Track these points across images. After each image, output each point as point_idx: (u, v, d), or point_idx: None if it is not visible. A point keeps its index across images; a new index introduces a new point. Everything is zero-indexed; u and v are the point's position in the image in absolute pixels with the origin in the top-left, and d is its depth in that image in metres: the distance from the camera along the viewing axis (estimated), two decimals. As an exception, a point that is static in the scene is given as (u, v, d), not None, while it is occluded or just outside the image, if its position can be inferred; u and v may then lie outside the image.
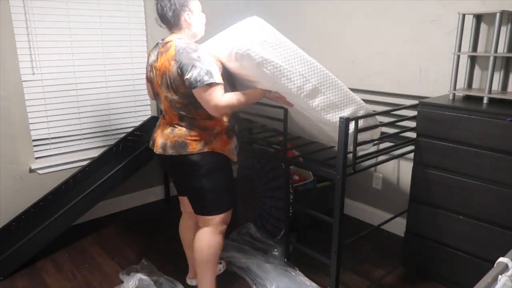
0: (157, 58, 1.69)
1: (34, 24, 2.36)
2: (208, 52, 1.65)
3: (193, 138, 1.69)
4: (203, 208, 1.79)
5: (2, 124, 2.33)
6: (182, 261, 2.26)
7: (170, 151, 1.70)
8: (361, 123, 1.79)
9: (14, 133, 2.39)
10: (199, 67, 1.56)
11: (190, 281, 2.12)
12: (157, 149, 1.75)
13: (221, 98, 1.59)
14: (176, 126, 1.72)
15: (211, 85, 1.56)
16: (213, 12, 3.14)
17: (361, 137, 1.83)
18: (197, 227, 1.88)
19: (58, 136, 2.59)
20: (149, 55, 1.79)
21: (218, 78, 1.59)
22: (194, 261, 1.93)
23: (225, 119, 1.75)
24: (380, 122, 1.97)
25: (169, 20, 1.68)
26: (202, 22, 1.76)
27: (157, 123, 1.86)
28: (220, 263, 2.20)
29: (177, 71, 1.59)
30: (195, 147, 1.69)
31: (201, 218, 1.82)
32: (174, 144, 1.70)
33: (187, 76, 1.56)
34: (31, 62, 2.39)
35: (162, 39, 1.73)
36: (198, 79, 1.55)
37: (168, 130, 1.73)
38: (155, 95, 1.81)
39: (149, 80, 1.81)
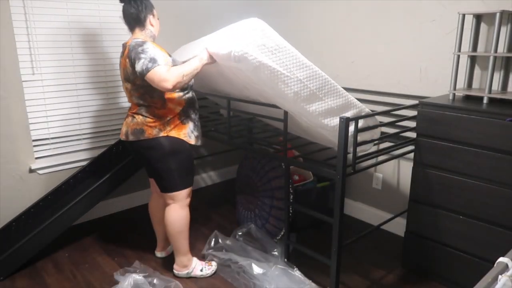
0: (121, 57, 1.96)
1: (34, 24, 2.36)
2: (153, 46, 1.86)
3: (149, 125, 1.94)
4: (166, 187, 2.04)
5: (2, 124, 2.33)
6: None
7: (131, 138, 1.97)
8: (361, 123, 1.79)
9: (14, 133, 2.39)
10: (143, 58, 1.80)
11: (160, 254, 2.37)
12: (122, 136, 2.03)
13: (166, 73, 1.78)
14: (135, 115, 1.97)
15: (153, 69, 1.77)
16: (212, 11, 3.14)
17: (361, 137, 1.84)
18: (165, 205, 2.14)
19: (58, 136, 2.59)
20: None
21: (162, 61, 1.80)
22: (162, 236, 2.33)
23: (177, 107, 1.97)
24: (380, 122, 1.97)
25: (139, 19, 1.93)
26: (158, 27, 2.03)
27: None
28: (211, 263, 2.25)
29: (130, 66, 1.86)
30: (151, 132, 1.94)
31: (166, 195, 2.06)
32: (133, 131, 1.96)
33: (136, 69, 1.82)
34: (31, 62, 2.39)
35: (125, 42, 1.96)
36: (144, 68, 1.78)
37: (129, 119, 2.00)
38: (124, 89, 2.04)
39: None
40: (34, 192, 2.50)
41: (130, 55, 1.84)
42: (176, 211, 2.06)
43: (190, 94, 2.03)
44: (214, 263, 2.22)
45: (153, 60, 1.79)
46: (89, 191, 2.40)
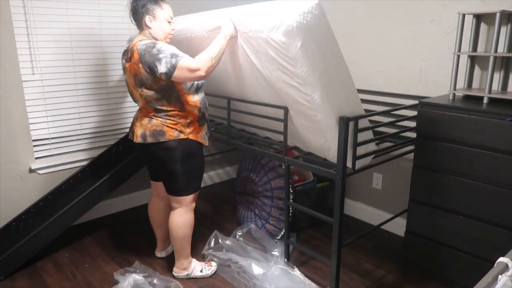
0: (127, 62, 1.88)
1: (34, 24, 2.36)
2: (166, 44, 1.82)
3: (170, 126, 1.89)
4: (176, 190, 2.00)
5: (2, 124, 2.33)
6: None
7: (149, 139, 1.89)
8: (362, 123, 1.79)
9: (14, 133, 2.39)
10: (163, 57, 1.74)
11: (160, 254, 2.37)
12: (137, 139, 1.94)
13: (194, 62, 1.75)
14: (153, 117, 1.90)
15: (179, 63, 1.74)
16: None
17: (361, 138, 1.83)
18: (167, 209, 2.19)
19: (58, 136, 2.59)
20: (122, 58, 1.96)
21: (181, 54, 1.77)
22: (162, 237, 2.33)
23: (195, 109, 1.93)
24: (380, 122, 1.97)
25: (136, 18, 1.90)
26: (165, 30, 1.90)
27: (134, 116, 2.05)
28: (212, 263, 2.24)
29: (147, 71, 1.78)
30: (171, 134, 1.89)
31: (173, 198, 2.03)
32: (152, 132, 1.89)
33: (159, 72, 1.75)
34: (31, 62, 2.39)
35: (128, 45, 1.91)
36: (169, 66, 1.74)
37: (146, 121, 1.92)
38: (130, 93, 1.99)
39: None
40: (34, 192, 2.50)
41: (144, 60, 1.76)
42: (181, 216, 2.04)
43: (202, 94, 2.00)
44: (214, 263, 2.22)
45: (174, 56, 1.74)
46: (89, 191, 2.40)
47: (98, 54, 2.64)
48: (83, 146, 2.69)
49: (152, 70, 1.76)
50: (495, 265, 1.03)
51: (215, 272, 2.19)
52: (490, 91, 1.89)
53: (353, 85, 1.78)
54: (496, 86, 2.01)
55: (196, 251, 2.38)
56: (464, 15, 1.94)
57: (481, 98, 1.93)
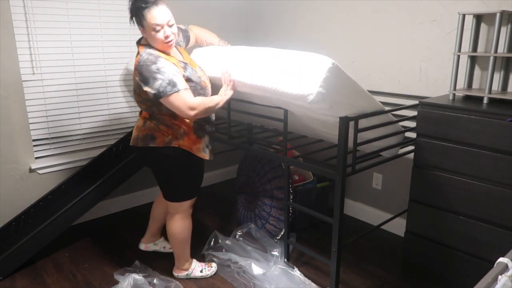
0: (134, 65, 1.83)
1: (34, 24, 2.36)
2: (168, 63, 1.74)
3: (161, 132, 1.85)
4: (170, 196, 1.99)
5: (2, 124, 2.33)
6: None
7: (140, 143, 1.88)
8: (363, 123, 1.79)
9: (14, 133, 2.39)
10: (160, 79, 1.68)
11: (140, 245, 2.38)
12: (132, 141, 1.95)
13: (192, 101, 1.73)
14: (148, 120, 1.89)
15: (176, 93, 1.69)
16: (212, 11, 3.14)
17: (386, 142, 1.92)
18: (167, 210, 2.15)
19: (58, 136, 2.59)
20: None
21: (181, 85, 1.71)
22: (152, 230, 2.35)
23: (190, 122, 1.88)
24: (380, 122, 1.97)
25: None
26: (156, 39, 1.76)
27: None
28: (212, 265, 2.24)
29: (138, 81, 1.75)
30: (163, 140, 1.85)
31: (169, 203, 2.02)
32: (144, 136, 1.87)
33: (147, 88, 1.71)
34: (31, 62, 2.39)
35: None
36: (161, 90, 1.68)
37: (141, 123, 1.92)
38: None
39: None
40: (34, 192, 2.50)
41: (140, 70, 1.72)
42: (178, 222, 2.03)
43: None
44: (214, 264, 2.22)
45: (172, 84, 1.67)
46: (89, 191, 2.40)
47: (98, 54, 2.64)
48: (83, 146, 2.69)
49: (141, 82, 1.73)
50: (495, 265, 1.03)
51: (215, 273, 2.19)
52: (490, 91, 1.89)
53: (376, 102, 1.84)
54: (496, 86, 2.01)
55: (196, 251, 2.38)
56: (464, 15, 1.94)
57: (481, 98, 1.93)
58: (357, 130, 1.72)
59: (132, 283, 1.98)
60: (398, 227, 2.52)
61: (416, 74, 2.35)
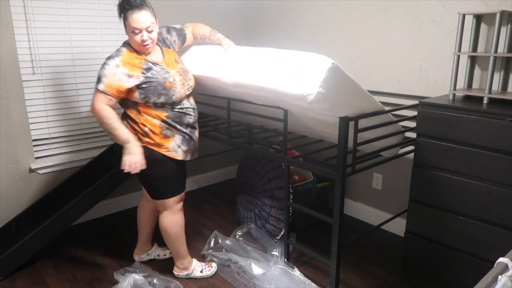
0: None
1: (34, 24, 2.36)
2: (116, 63, 1.78)
3: (130, 130, 1.88)
4: (152, 194, 2.02)
5: (2, 124, 2.33)
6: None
7: (115, 141, 1.93)
8: (364, 123, 1.79)
9: (14, 133, 2.39)
10: (99, 72, 1.80)
11: (135, 257, 2.33)
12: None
13: (97, 105, 1.80)
14: (123, 117, 1.94)
15: (96, 89, 1.78)
16: (212, 11, 3.14)
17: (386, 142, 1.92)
18: (152, 211, 2.22)
19: (58, 136, 2.59)
20: None
21: (103, 86, 1.77)
22: (142, 239, 2.31)
23: (154, 120, 1.87)
24: (380, 122, 1.97)
25: None
26: (133, 41, 1.82)
27: None
28: (212, 264, 2.24)
29: None
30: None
31: (155, 202, 2.04)
32: None
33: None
34: (31, 62, 2.39)
35: None
36: (96, 82, 1.80)
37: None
38: None
39: None
40: (34, 192, 2.50)
41: None
42: (168, 218, 2.03)
43: (174, 111, 1.90)
44: (214, 264, 2.22)
45: (99, 80, 1.78)
46: (89, 191, 2.40)
47: (98, 53, 2.64)
48: (83, 146, 2.69)
49: None
50: (495, 265, 1.03)
51: (215, 273, 2.19)
52: (490, 91, 1.89)
53: (376, 103, 1.84)
54: (496, 86, 2.01)
55: (196, 251, 2.38)
56: (464, 15, 1.94)
57: (481, 98, 1.93)
58: (357, 130, 1.72)
59: (132, 283, 1.98)
60: (398, 227, 2.52)
61: (416, 74, 2.35)
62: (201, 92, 2.32)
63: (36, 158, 2.52)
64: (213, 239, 2.39)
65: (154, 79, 1.82)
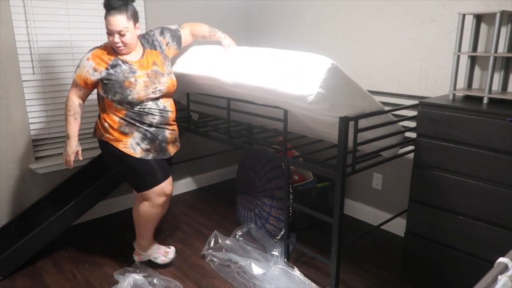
0: None
1: (34, 24, 2.36)
2: (88, 56, 1.92)
3: (98, 125, 2.02)
4: (131, 186, 2.12)
5: (2, 124, 2.33)
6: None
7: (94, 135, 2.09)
8: (363, 123, 1.79)
9: (14, 133, 2.39)
10: (77, 66, 1.95)
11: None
12: None
13: (69, 93, 1.99)
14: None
15: (74, 79, 1.95)
16: (212, 11, 3.14)
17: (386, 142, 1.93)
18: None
19: (58, 136, 2.59)
20: None
21: (75, 75, 1.94)
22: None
23: (114, 116, 1.96)
24: (380, 122, 1.97)
25: None
26: (110, 41, 1.92)
27: None
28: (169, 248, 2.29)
29: None
30: (98, 133, 2.03)
31: (136, 194, 2.12)
32: (94, 128, 2.09)
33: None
34: (31, 62, 2.39)
35: None
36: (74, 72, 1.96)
37: None
38: None
39: None
40: (34, 192, 2.50)
41: None
42: (145, 207, 2.07)
43: (133, 111, 1.94)
44: (172, 249, 2.25)
45: (75, 69, 1.94)
46: (89, 190, 2.40)
47: (98, 54, 2.64)
48: (83, 146, 2.66)
49: None
50: (495, 265, 1.03)
51: (171, 261, 2.22)
52: (490, 91, 1.89)
53: (376, 103, 1.84)
54: (496, 86, 2.01)
55: (196, 251, 2.38)
56: (464, 15, 1.94)
57: (481, 98, 1.93)
58: (357, 130, 1.72)
59: (132, 283, 1.98)
60: (398, 227, 2.52)
61: (416, 74, 2.35)
62: (201, 92, 2.32)
63: (36, 158, 2.52)
64: (213, 239, 2.39)
65: (114, 77, 1.89)
